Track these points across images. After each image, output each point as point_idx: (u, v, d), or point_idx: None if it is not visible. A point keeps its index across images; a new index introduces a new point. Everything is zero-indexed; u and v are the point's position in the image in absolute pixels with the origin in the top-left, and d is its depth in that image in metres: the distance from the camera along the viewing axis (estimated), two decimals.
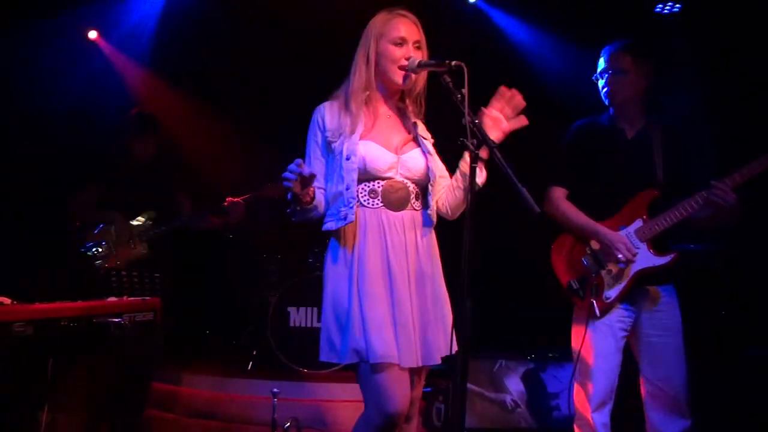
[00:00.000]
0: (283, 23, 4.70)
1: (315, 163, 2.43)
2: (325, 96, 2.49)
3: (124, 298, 3.00)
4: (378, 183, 2.36)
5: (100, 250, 3.98)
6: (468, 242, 2.07)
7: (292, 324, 4.59)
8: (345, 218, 2.32)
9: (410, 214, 2.38)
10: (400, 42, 2.36)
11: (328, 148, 2.41)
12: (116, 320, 2.72)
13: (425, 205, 2.44)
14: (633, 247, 2.88)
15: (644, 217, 2.93)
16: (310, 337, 4.48)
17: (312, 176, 2.19)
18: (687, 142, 3.01)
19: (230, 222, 4.17)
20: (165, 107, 4.68)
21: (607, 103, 3.07)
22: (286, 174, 2.16)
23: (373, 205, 2.35)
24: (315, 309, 4.56)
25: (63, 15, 4.39)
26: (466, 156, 2.33)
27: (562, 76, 4.32)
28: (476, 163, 2.13)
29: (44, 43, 4.35)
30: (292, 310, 4.61)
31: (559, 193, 3.09)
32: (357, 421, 2.28)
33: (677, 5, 4.19)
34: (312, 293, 4.50)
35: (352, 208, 2.32)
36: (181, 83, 4.92)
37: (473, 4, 4.45)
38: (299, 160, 2.16)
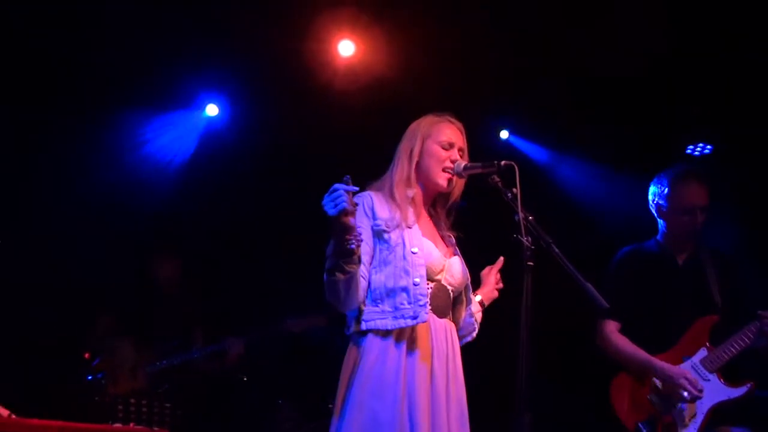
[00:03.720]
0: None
1: (363, 247, 2.12)
2: None
3: (131, 425, 2.69)
4: (429, 285, 2.17)
5: (102, 381, 3.69)
6: (525, 355, 1.87)
7: None
8: (414, 317, 2.06)
9: (449, 324, 2.20)
10: (447, 146, 2.30)
11: (378, 236, 2.19)
12: None
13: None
14: (698, 380, 2.67)
15: (707, 345, 2.74)
16: None
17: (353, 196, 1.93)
18: (739, 268, 2.91)
19: (226, 363, 3.90)
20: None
21: (663, 231, 2.96)
22: (338, 190, 1.88)
23: None
24: None
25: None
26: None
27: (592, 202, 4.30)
28: (531, 261, 1.97)
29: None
30: None
31: (611, 327, 2.90)
32: None
33: (708, 146, 4.22)
34: None
35: (423, 306, 2.08)
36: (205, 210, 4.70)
37: (505, 141, 4.51)
38: (348, 177, 1.90)
